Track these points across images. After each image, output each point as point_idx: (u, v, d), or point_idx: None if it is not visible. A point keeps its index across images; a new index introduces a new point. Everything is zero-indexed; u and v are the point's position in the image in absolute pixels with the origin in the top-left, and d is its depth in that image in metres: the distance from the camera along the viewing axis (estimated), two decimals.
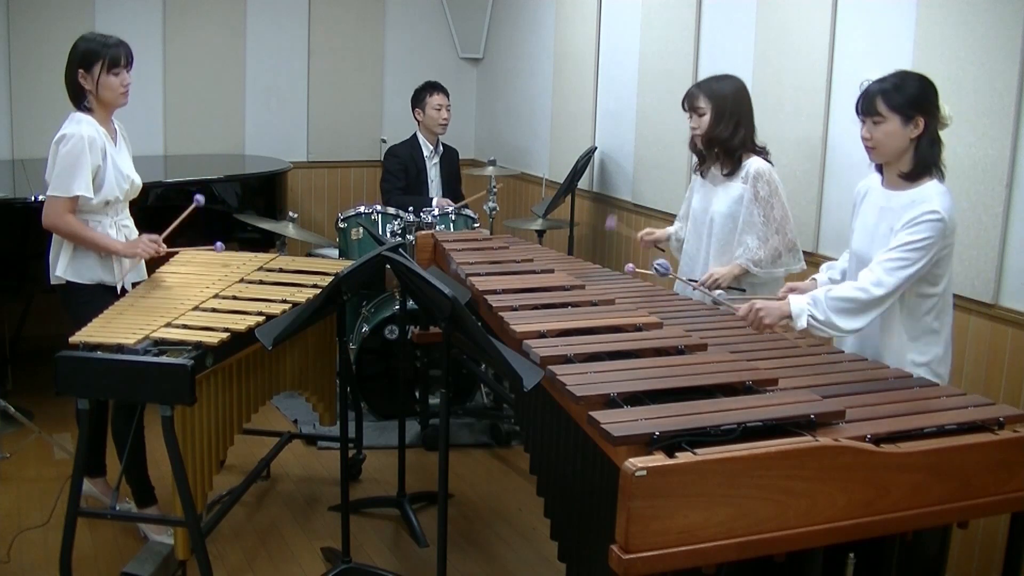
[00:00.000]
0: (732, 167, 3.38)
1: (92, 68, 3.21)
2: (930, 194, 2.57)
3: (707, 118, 3.35)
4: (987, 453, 2.01)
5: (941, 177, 2.62)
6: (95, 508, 3.40)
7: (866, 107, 2.61)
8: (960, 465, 1.99)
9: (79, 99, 3.27)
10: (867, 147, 2.65)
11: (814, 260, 3.54)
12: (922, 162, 2.60)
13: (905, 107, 2.55)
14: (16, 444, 4.17)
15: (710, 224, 3.45)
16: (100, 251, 3.26)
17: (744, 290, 3.35)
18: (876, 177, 2.76)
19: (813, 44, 3.66)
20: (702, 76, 4.28)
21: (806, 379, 2.31)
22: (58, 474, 3.90)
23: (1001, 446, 2.02)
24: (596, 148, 5.22)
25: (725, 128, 3.33)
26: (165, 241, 3.36)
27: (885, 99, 2.56)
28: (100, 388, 2.69)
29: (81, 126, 3.21)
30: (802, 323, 2.56)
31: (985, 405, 2.17)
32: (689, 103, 3.42)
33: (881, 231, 2.65)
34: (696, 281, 3.33)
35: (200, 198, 3.47)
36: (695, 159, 3.56)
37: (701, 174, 3.54)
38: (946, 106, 2.60)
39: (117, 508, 2.99)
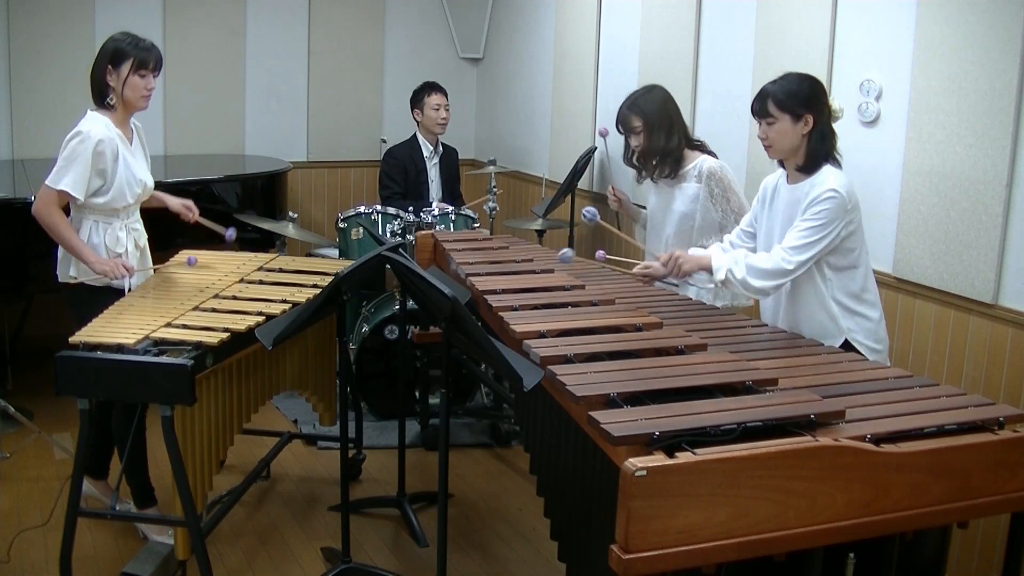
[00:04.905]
0: (674, 168, 3.51)
1: (120, 66, 3.20)
2: (825, 176, 2.74)
3: (644, 135, 3.50)
4: (987, 453, 2.01)
5: (837, 165, 2.79)
6: (95, 508, 3.40)
7: (759, 109, 2.79)
8: (960, 465, 1.99)
9: (102, 96, 3.24)
10: (764, 145, 2.83)
11: None
12: (814, 155, 2.77)
13: (793, 107, 2.73)
14: (16, 444, 4.17)
15: (668, 224, 3.52)
16: (72, 254, 3.21)
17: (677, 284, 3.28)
18: (781, 172, 2.92)
19: (813, 44, 3.66)
20: (702, 76, 4.31)
21: (806, 379, 2.31)
22: (58, 474, 3.90)
23: (1001, 446, 2.03)
24: (596, 148, 5.22)
25: (659, 138, 3.49)
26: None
27: (775, 101, 2.74)
28: (100, 388, 2.69)
29: (95, 125, 3.18)
30: (720, 276, 2.74)
31: (985, 405, 2.18)
32: (625, 126, 3.57)
33: (789, 222, 2.80)
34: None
35: (232, 233, 3.58)
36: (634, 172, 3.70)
37: (649, 180, 3.65)
38: (835, 101, 2.79)
39: (117, 508, 2.99)
